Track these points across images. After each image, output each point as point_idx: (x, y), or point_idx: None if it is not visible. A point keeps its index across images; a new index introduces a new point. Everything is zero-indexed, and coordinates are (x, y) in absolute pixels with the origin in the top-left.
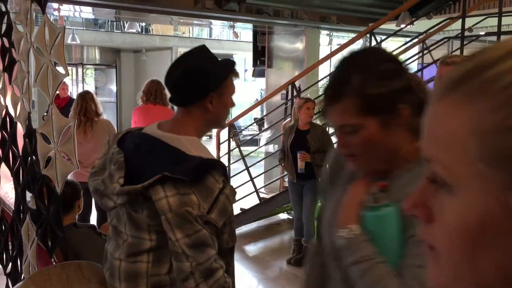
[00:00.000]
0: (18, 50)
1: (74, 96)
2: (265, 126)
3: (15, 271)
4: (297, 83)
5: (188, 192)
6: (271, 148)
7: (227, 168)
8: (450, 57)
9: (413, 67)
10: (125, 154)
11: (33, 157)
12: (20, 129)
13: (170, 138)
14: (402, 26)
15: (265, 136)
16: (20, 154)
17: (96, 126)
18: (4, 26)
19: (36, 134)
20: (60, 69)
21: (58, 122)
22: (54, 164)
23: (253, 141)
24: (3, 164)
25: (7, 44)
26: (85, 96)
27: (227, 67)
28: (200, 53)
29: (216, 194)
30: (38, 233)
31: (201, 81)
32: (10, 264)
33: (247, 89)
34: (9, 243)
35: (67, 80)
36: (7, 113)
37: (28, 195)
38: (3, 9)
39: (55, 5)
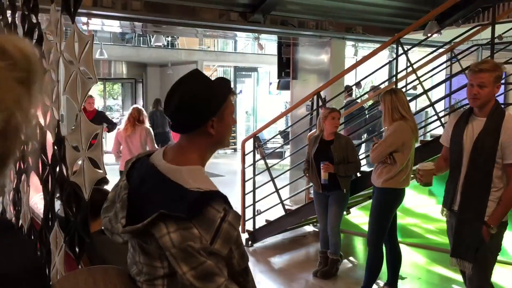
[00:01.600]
0: (48, 60)
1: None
2: (290, 144)
3: None
4: (322, 94)
5: (189, 227)
6: (296, 159)
7: (227, 197)
8: (479, 64)
9: (441, 76)
10: (130, 190)
11: (62, 164)
12: (49, 138)
13: (172, 171)
14: (430, 35)
15: (289, 149)
16: (49, 162)
17: (137, 128)
18: (35, 37)
19: (65, 142)
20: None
21: (86, 129)
22: (82, 171)
23: (278, 155)
24: (33, 175)
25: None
26: (136, 108)
27: (223, 89)
28: (194, 79)
29: (217, 224)
30: (66, 240)
31: (199, 109)
32: None
33: (272, 102)
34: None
35: (94, 93)
36: (37, 122)
37: (58, 204)
38: (34, 20)
39: (84, 19)
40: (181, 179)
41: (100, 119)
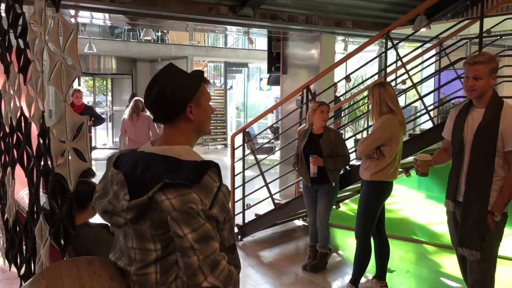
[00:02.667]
0: (32, 50)
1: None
2: (280, 138)
3: (29, 272)
4: (312, 89)
5: (188, 192)
6: (286, 154)
7: (219, 167)
8: (474, 56)
9: (430, 70)
10: (124, 173)
11: (47, 156)
12: (34, 130)
13: (163, 150)
14: (419, 29)
15: (280, 144)
16: (34, 154)
17: (141, 116)
18: (19, 28)
19: (50, 133)
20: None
21: (71, 119)
22: (67, 162)
23: (269, 150)
24: (19, 168)
25: (22, 45)
26: (137, 100)
27: (197, 77)
28: (169, 69)
29: (215, 191)
30: (51, 232)
31: (175, 96)
32: (24, 266)
33: (262, 98)
34: (23, 245)
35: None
36: (22, 114)
37: (45, 198)
38: (19, 10)
39: (72, 12)
40: (175, 154)
41: (88, 113)
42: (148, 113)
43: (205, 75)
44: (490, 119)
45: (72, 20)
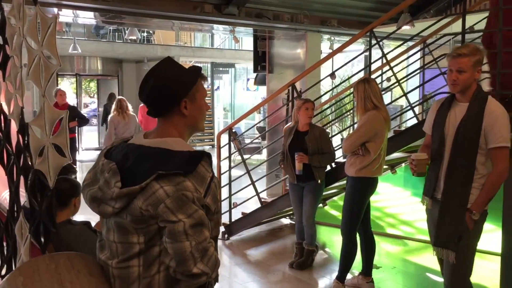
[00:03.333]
0: (11, 46)
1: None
2: (267, 134)
3: (9, 272)
4: (298, 87)
5: (182, 181)
6: (273, 152)
7: (211, 157)
8: (458, 49)
9: (415, 68)
10: (115, 163)
11: (26, 152)
12: (14, 127)
13: (156, 142)
14: (401, 27)
15: (266, 142)
16: (14, 152)
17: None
18: None
19: (29, 129)
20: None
21: (50, 114)
22: (46, 158)
23: (256, 149)
24: (1, 169)
25: (0, 41)
26: (121, 99)
27: (194, 72)
28: (166, 63)
29: (208, 181)
30: (31, 230)
31: (171, 89)
32: (5, 266)
33: (249, 99)
34: (4, 245)
35: (69, 91)
36: (1, 111)
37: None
38: None
39: (56, 10)
40: (167, 145)
41: (72, 114)
42: (132, 112)
43: None
44: (474, 114)
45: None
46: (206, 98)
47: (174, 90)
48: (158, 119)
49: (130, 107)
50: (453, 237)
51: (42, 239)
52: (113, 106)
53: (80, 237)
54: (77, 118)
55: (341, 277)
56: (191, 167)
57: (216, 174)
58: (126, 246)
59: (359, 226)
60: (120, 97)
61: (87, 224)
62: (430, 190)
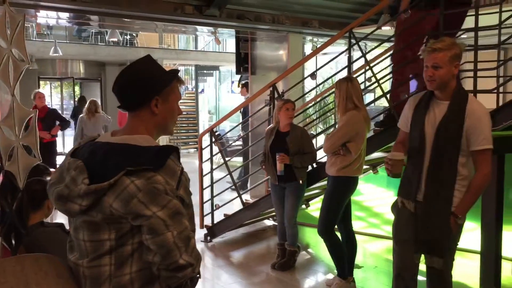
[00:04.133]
0: None
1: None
2: (250, 136)
3: None
4: (281, 88)
5: (153, 175)
6: (256, 154)
7: (179, 151)
8: (433, 43)
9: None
10: (82, 161)
11: None
12: None
13: (123, 139)
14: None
15: (250, 143)
16: None
17: (95, 116)
18: None
19: None
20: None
21: (20, 113)
22: (16, 158)
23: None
24: None
25: None
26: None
27: (171, 73)
28: (145, 60)
29: (179, 174)
30: (2, 232)
31: (144, 84)
32: None
33: (234, 101)
34: None
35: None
36: None
37: None
38: None
39: (32, 11)
40: (135, 142)
41: (53, 116)
42: (102, 113)
43: None
44: (454, 114)
45: (33, 20)
46: (191, 101)
47: (147, 84)
48: (128, 115)
49: (100, 109)
50: (439, 242)
51: (13, 241)
52: (85, 108)
53: (53, 239)
54: (57, 121)
55: (342, 274)
56: (161, 162)
57: (198, 176)
58: (96, 244)
59: (336, 224)
60: (92, 99)
61: (60, 226)
62: (411, 192)
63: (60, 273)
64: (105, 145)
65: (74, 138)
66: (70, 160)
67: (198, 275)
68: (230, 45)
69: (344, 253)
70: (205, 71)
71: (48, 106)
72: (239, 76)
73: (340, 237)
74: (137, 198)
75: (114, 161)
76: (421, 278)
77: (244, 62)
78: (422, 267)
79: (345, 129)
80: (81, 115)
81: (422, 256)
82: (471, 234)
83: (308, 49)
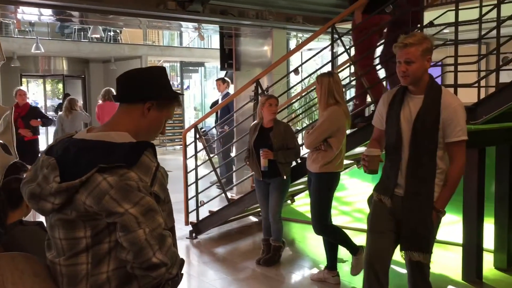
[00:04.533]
0: None
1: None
2: (235, 133)
3: None
4: (265, 84)
5: (126, 172)
6: (241, 149)
7: (155, 147)
8: (405, 38)
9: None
10: (55, 159)
11: None
12: None
13: (97, 136)
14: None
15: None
16: None
17: (72, 113)
18: None
19: None
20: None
21: None
22: None
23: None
24: None
25: None
26: (69, 99)
27: (175, 92)
28: (161, 68)
29: (154, 170)
30: None
31: (152, 83)
32: None
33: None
34: None
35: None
36: None
37: None
38: None
39: (12, 7)
40: (109, 138)
41: (34, 114)
42: (79, 110)
43: None
44: (430, 107)
45: (12, 16)
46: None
47: (153, 85)
48: (118, 108)
49: (77, 106)
50: (422, 237)
51: None
52: (64, 106)
53: (32, 237)
54: (39, 118)
55: (331, 267)
56: (134, 159)
57: (182, 173)
58: (72, 242)
59: (330, 218)
60: (70, 97)
61: (39, 224)
62: (390, 188)
63: (37, 272)
64: (79, 142)
65: (54, 135)
66: (44, 158)
67: (177, 277)
68: (215, 41)
69: (346, 240)
70: (190, 68)
71: (31, 103)
72: (224, 72)
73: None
74: (109, 195)
75: (87, 158)
76: (399, 269)
77: (229, 58)
78: (397, 259)
79: (327, 124)
80: (60, 113)
81: (397, 251)
82: (453, 227)
83: (293, 45)
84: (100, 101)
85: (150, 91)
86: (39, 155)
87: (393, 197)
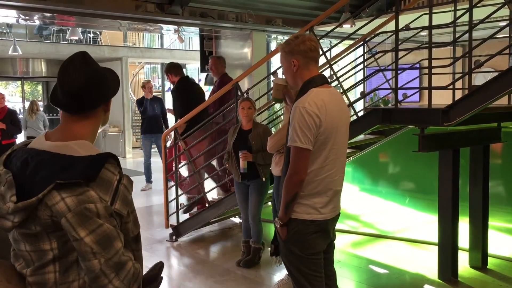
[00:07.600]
0: None
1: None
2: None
3: None
4: (245, 87)
5: (85, 190)
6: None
7: (118, 159)
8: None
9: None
10: (13, 172)
11: None
12: None
13: (57, 147)
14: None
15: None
16: None
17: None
18: None
19: None
20: None
21: None
22: None
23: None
24: None
25: None
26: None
27: (118, 82)
28: (90, 61)
29: (115, 185)
30: None
31: (106, 88)
32: None
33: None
34: None
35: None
36: None
37: None
38: None
39: None
40: (70, 150)
41: (10, 118)
42: (41, 112)
43: (142, 76)
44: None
45: None
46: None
47: (108, 90)
48: (68, 117)
49: (39, 108)
50: (277, 247)
51: None
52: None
53: (9, 243)
54: (11, 122)
55: None
56: (93, 173)
57: (162, 175)
58: (40, 253)
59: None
60: (33, 99)
61: None
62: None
63: (10, 278)
64: (39, 154)
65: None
66: (2, 172)
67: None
68: (196, 43)
69: None
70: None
71: (9, 107)
72: (205, 74)
73: None
74: (66, 218)
75: (45, 173)
76: (377, 268)
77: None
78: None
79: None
80: (24, 115)
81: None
82: (429, 226)
83: (273, 47)
84: None
85: (109, 93)
86: None
87: None
